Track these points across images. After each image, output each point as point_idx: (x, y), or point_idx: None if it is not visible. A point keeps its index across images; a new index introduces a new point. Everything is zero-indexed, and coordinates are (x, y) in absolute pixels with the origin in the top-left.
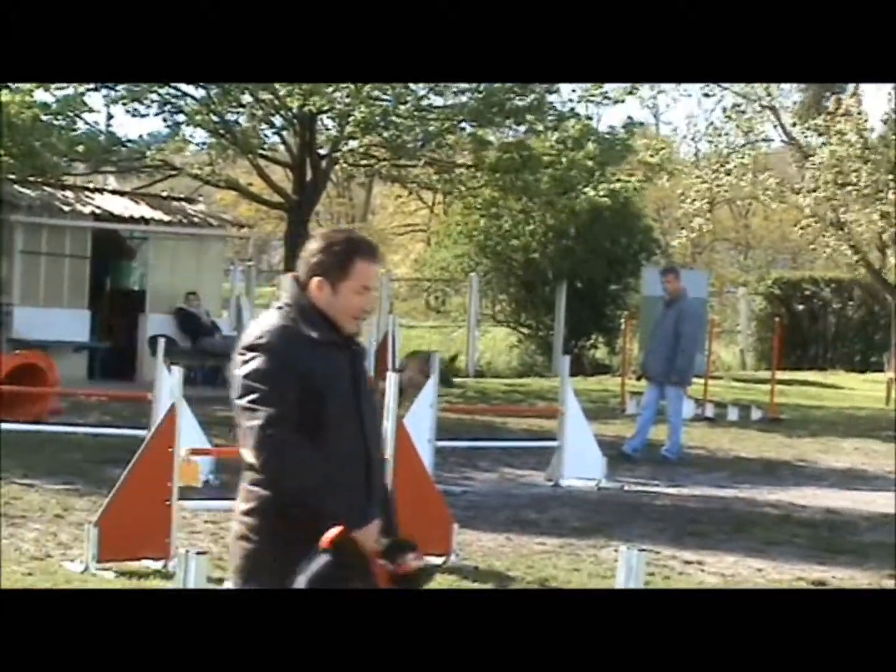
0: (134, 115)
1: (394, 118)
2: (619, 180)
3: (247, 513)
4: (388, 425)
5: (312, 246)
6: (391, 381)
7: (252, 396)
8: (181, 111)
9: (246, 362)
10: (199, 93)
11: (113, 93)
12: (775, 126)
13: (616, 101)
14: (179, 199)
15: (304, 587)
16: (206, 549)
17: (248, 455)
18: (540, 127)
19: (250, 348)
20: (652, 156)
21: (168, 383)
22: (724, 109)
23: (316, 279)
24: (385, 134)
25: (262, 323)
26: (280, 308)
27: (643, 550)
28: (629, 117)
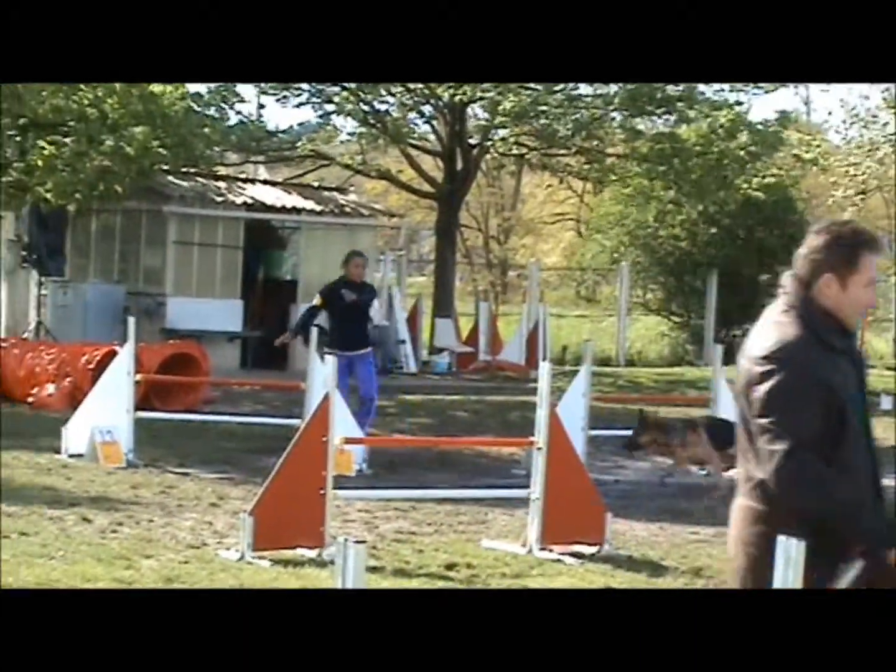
0: (284, 105)
1: (544, 107)
2: (772, 175)
3: (755, 532)
4: (542, 413)
5: (816, 242)
6: (544, 370)
7: (775, 417)
8: (331, 101)
9: (765, 376)
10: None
11: (264, 83)
12: None
13: (767, 91)
14: (331, 189)
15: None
16: (361, 537)
17: (761, 472)
18: (691, 115)
19: (769, 360)
20: (806, 151)
21: (321, 372)
22: (885, 99)
23: (824, 276)
24: (536, 123)
25: (775, 330)
26: (786, 311)
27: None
28: (780, 111)
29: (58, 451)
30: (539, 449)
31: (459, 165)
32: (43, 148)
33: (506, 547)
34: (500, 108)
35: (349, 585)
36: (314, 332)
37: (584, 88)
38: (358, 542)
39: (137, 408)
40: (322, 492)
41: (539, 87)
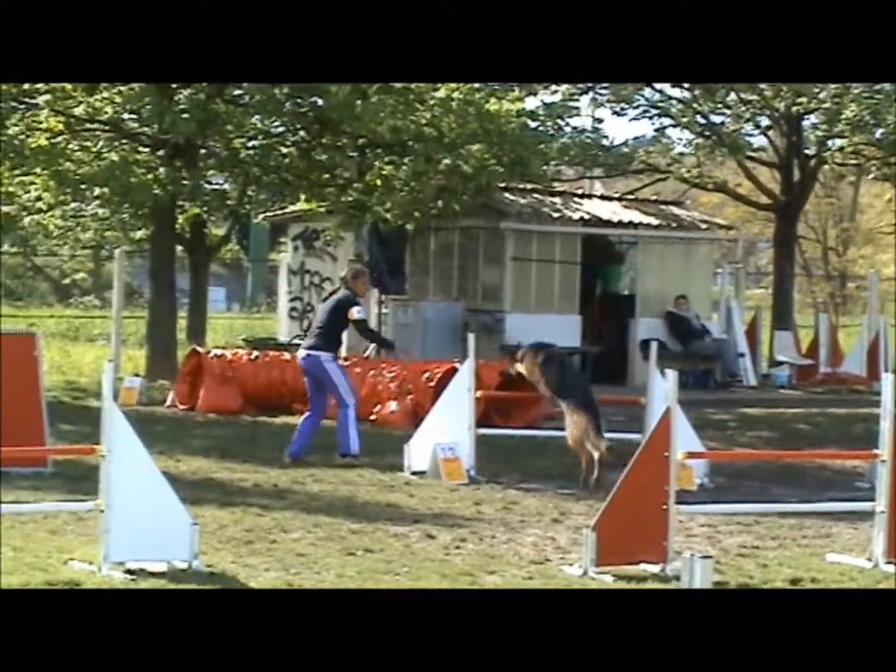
0: (620, 117)
1: (887, 116)
2: None
3: None
4: (886, 426)
5: None
6: (887, 382)
7: None
8: (668, 114)
9: None
10: (683, 94)
11: (599, 96)
12: None
13: None
14: (667, 203)
15: None
16: (704, 552)
17: None
18: None
19: None
20: None
21: (661, 387)
22: None
23: None
24: (876, 133)
25: None
26: None
27: None
28: None
29: (400, 469)
30: (883, 462)
31: (797, 176)
32: (382, 168)
33: (851, 561)
34: (841, 117)
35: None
36: (654, 345)
37: None
38: (704, 556)
39: (478, 424)
40: (664, 507)
41: (880, 94)
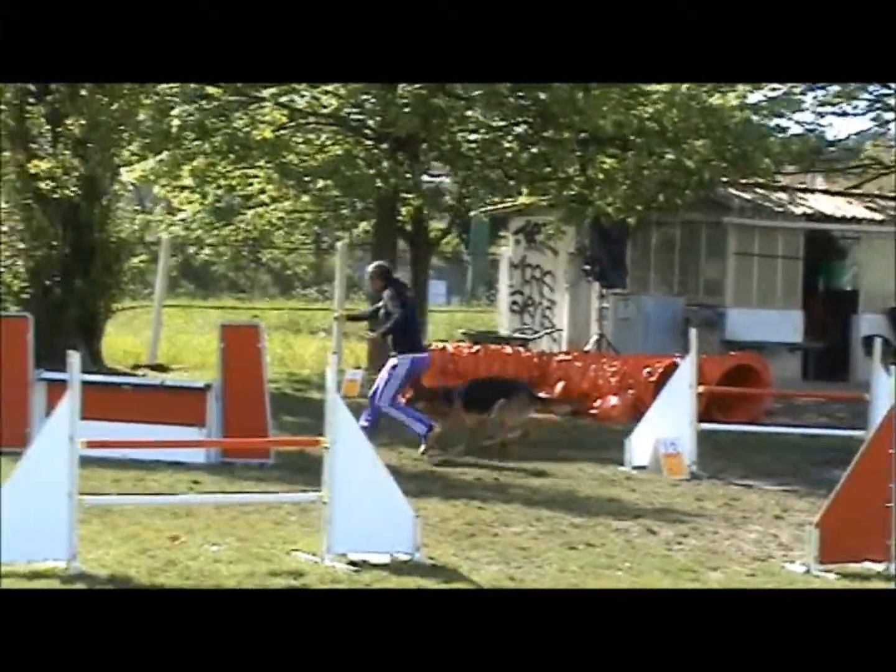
0: (843, 116)
1: None
2: None
3: None
4: None
5: None
6: None
7: None
8: (891, 108)
9: None
10: None
11: (822, 92)
12: None
13: None
14: (891, 198)
15: None
16: None
17: None
18: None
19: None
20: None
21: (885, 384)
22: None
23: None
24: None
25: None
26: None
27: None
28: None
29: (621, 463)
30: None
31: None
32: (603, 162)
33: None
34: None
35: None
36: (878, 342)
37: None
38: None
39: (700, 419)
40: (889, 504)
41: None
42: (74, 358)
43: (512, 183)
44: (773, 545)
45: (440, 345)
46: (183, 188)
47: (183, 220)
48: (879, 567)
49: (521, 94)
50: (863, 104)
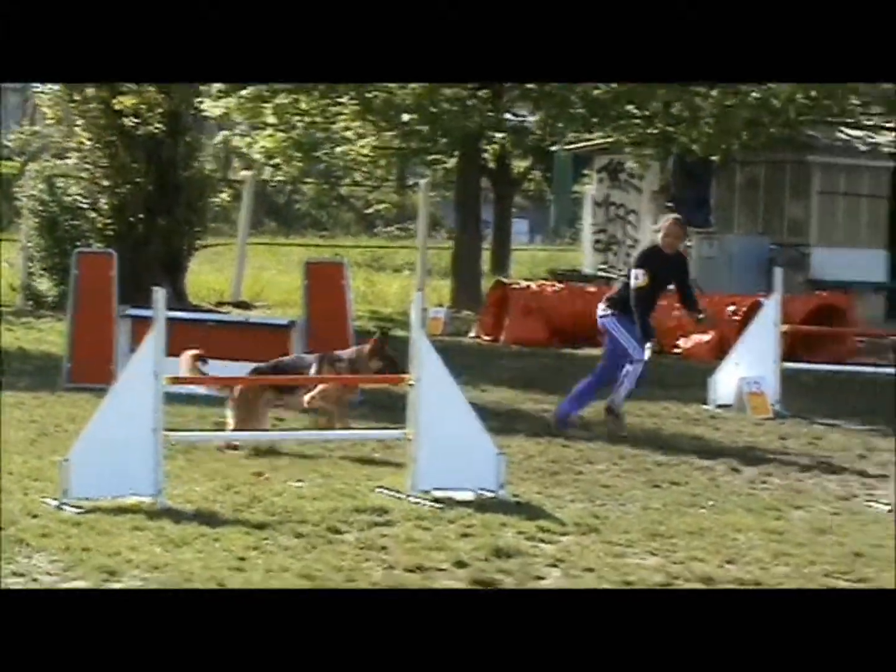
0: None
1: None
2: None
3: None
4: None
5: None
6: None
7: None
8: None
9: None
10: None
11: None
12: None
13: None
14: None
15: None
16: None
17: None
18: None
19: None
20: None
21: None
22: None
23: None
24: None
25: None
26: None
27: None
28: None
29: (705, 402)
30: None
31: None
32: (689, 100)
33: None
34: None
35: None
36: None
37: None
38: None
39: (784, 359)
40: None
41: None
42: (159, 294)
43: (595, 120)
44: (857, 484)
45: (524, 283)
46: (266, 125)
47: (266, 152)
48: None
49: None
50: None
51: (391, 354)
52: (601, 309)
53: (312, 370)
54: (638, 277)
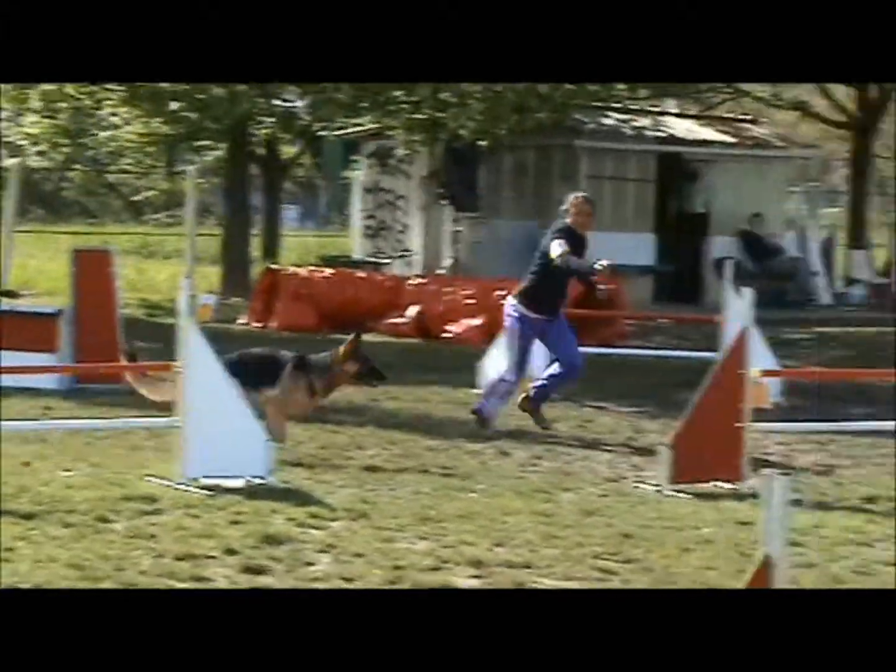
0: None
1: None
2: None
3: None
4: None
5: None
6: None
7: None
8: None
9: None
10: None
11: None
12: None
13: None
14: (743, 121)
15: None
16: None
17: None
18: None
19: None
20: None
21: (737, 305)
22: None
23: None
24: None
25: None
26: None
27: None
28: None
29: (475, 386)
30: None
31: (873, 94)
32: (456, 85)
33: None
34: None
35: (774, 518)
36: (729, 264)
37: None
38: (783, 474)
39: None
40: (739, 425)
41: None
42: None
43: (363, 105)
44: (626, 466)
45: (294, 269)
46: (30, 111)
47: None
48: (730, 486)
49: None
50: None
51: (366, 355)
52: (510, 304)
53: (286, 370)
54: (562, 245)
